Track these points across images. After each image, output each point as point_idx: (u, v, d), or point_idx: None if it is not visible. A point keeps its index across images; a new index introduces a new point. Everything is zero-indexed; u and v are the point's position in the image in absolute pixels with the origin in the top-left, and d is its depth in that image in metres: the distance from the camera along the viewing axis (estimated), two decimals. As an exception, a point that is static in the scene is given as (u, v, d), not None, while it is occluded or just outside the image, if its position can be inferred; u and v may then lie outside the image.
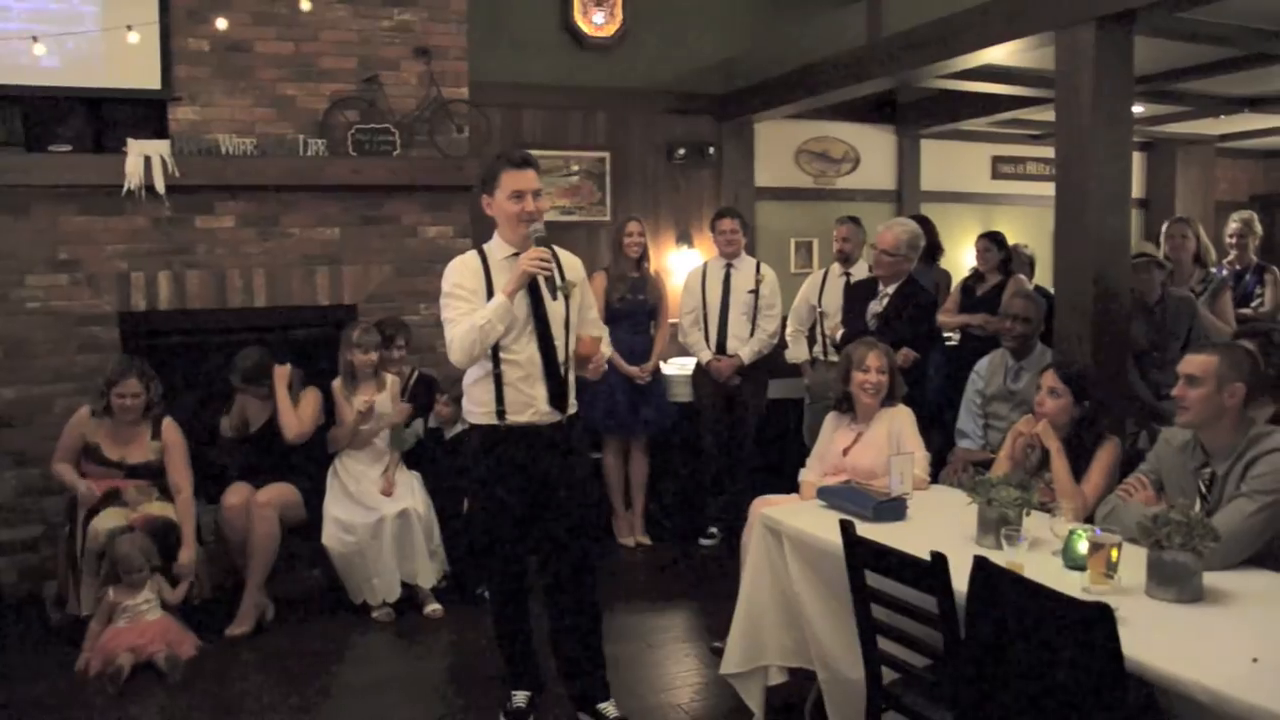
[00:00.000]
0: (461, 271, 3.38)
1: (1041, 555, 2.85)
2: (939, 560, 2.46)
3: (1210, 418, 2.91)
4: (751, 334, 5.66)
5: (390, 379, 4.93)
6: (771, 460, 5.86)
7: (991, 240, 5.76)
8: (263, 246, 5.34)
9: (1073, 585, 2.50)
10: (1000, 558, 2.57)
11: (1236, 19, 4.72)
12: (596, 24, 6.82)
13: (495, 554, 3.52)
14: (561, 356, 3.39)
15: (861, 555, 2.72)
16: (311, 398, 4.84)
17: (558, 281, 3.26)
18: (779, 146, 7.62)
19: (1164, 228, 5.77)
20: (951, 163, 8.34)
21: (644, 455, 5.81)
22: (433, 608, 4.72)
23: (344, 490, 4.76)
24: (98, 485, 4.42)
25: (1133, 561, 2.60)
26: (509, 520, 3.45)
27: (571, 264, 3.47)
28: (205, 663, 4.19)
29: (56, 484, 4.57)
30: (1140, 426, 4.66)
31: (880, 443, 3.91)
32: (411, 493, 4.81)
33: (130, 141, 4.92)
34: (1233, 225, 6.01)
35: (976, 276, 5.83)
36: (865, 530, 2.82)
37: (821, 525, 3.22)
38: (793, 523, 3.35)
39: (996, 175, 8.65)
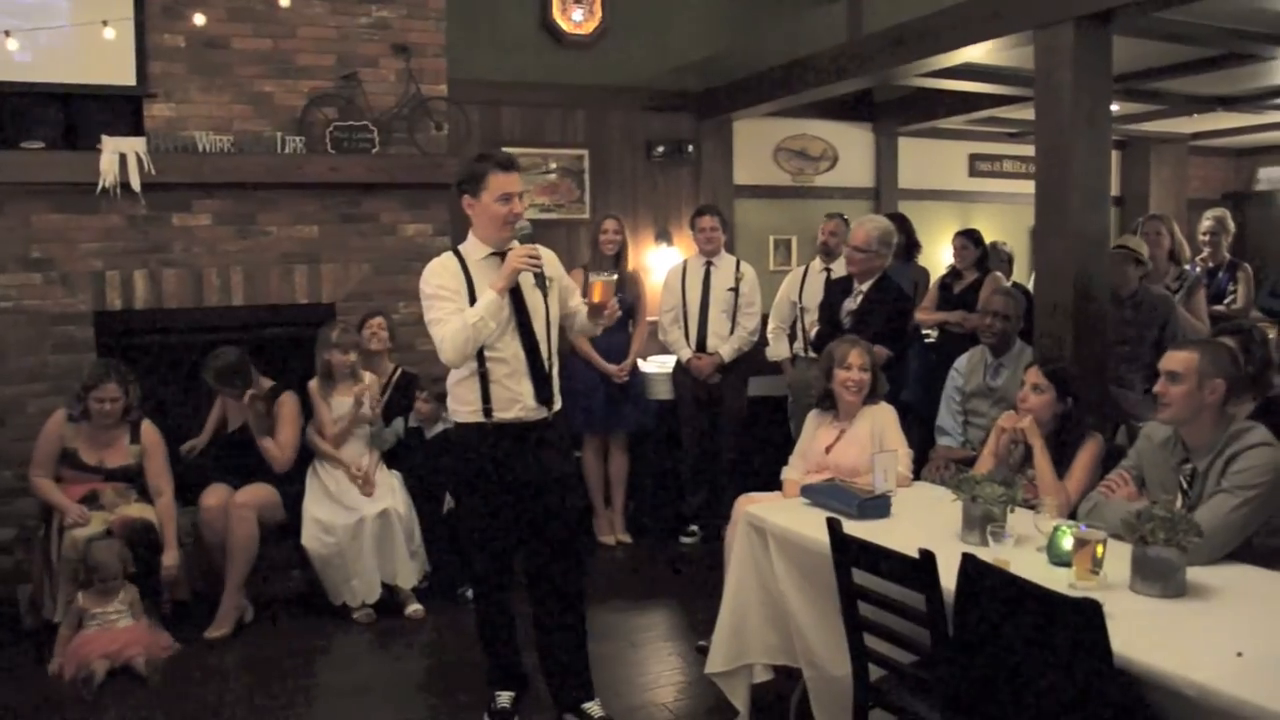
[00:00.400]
0: (441, 274, 3.36)
1: (1026, 552, 2.86)
2: (927, 557, 2.47)
3: (1191, 414, 2.94)
4: (732, 332, 5.67)
5: (369, 377, 4.89)
6: (752, 458, 5.87)
7: (968, 238, 5.80)
8: (240, 245, 5.29)
9: (1058, 581, 2.52)
10: (986, 554, 2.57)
11: (1211, 19, 4.76)
12: (575, 21, 6.80)
13: (481, 553, 3.51)
14: (545, 352, 3.39)
15: (849, 553, 2.73)
16: (290, 411, 4.77)
17: (546, 278, 3.27)
18: (757, 144, 7.62)
19: (1139, 224, 5.82)
20: (929, 160, 8.37)
21: (623, 453, 5.80)
22: (413, 608, 4.70)
23: (324, 490, 4.72)
24: (75, 490, 4.37)
25: (1116, 557, 2.62)
26: (496, 518, 3.43)
27: (548, 258, 3.46)
28: (183, 665, 4.15)
29: (32, 488, 4.49)
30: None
31: (863, 440, 3.92)
32: (392, 493, 4.78)
33: (105, 138, 4.86)
34: (1206, 223, 6.07)
35: (954, 274, 5.87)
36: (850, 528, 2.82)
37: (806, 523, 3.23)
38: (778, 520, 3.35)
39: (973, 173, 8.70)
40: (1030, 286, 5.63)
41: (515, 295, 3.33)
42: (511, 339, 3.34)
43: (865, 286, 4.97)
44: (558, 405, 3.47)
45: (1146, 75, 6.13)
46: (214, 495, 4.59)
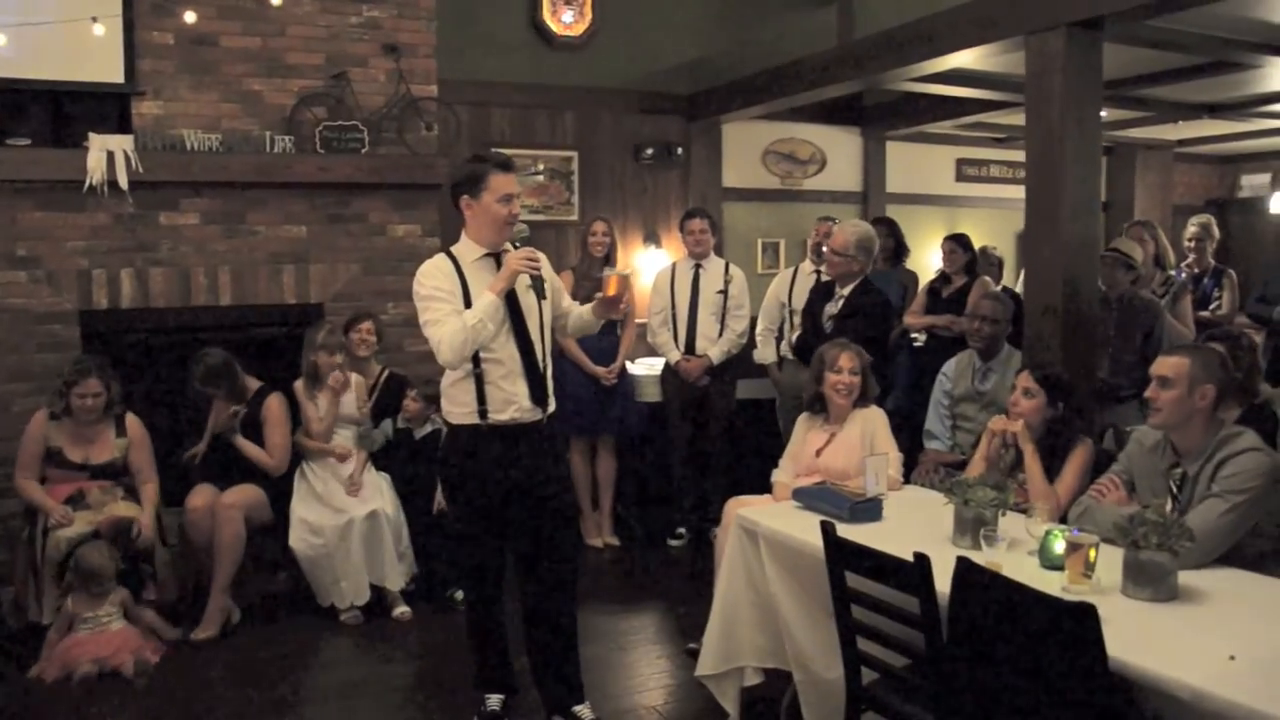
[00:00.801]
0: (436, 275, 3.34)
1: (1018, 555, 2.87)
2: (922, 561, 2.47)
3: (1182, 419, 2.95)
4: (720, 334, 5.67)
5: (356, 379, 4.87)
6: (741, 460, 5.87)
7: (957, 242, 5.81)
8: (228, 244, 5.26)
9: (1051, 585, 2.52)
10: (979, 558, 2.58)
11: (1199, 27, 4.80)
12: (565, 23, 6.80)
13: (474, 555, 3.49)
14: (539, 353, 3.38)
15: (842, 556, 2.73)
16: (277, 415, 4.72)
17: (543, 281, 3.29)
18: (746, 147, 7.64)
19: (1124, 230, 5.85)
20: (916, 165, 8.42)
21: (611, 456, 5.79)
22: (401, 610, 4.67)
23: (311, 492, 4.70)
24: (62, 489, 4.33)
25: (1107, 561, 2.63)
26: (490, 520, 3.42)
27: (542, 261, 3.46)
28: (170, 667, 4.12)
29: (16, 490, 4.45)
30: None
31: (853, 444, 3.93)
32: (380, 494, 4.76)
33: (92, 136, 4.82)
34: (1191, 229, 6.12)
35: (942, 278, 5.88)
36: (842, 531, 2.82)
37: (798, 526, 3.23)
38: (769, 524, 3.35)
39: (960, 178, 8.75)
40: (1019, 291, 5.66)
41: (510, 297, 3.32)
42: (507, 340, 3.32)
43: (847, 291, 4.94)
44: (552, 407, 3.46)
45: (1134, 82, 6.18)
46: (200, 496, 4.55)
